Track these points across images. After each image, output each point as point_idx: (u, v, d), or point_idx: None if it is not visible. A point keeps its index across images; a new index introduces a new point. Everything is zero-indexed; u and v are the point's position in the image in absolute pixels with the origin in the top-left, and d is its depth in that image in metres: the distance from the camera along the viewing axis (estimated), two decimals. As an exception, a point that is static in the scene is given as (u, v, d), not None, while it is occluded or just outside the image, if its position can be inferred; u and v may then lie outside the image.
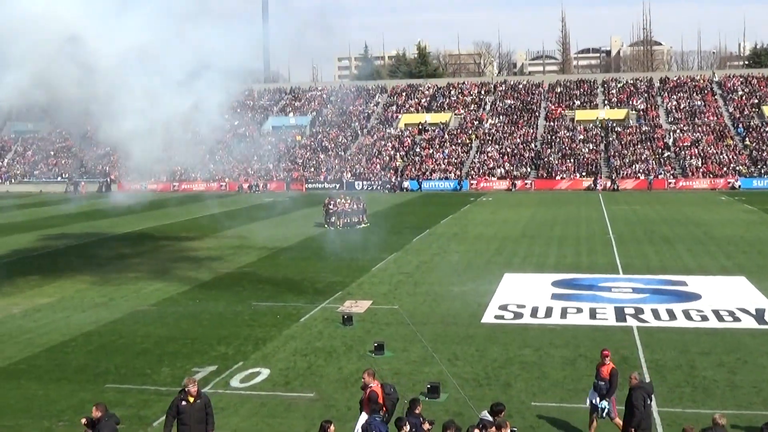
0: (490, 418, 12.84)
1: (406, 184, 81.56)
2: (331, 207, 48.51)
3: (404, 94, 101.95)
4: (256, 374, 19.18)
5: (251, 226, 49.77)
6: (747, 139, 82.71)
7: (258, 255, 37.90)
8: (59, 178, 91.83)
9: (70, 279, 32.28)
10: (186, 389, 13.44)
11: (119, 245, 42.45)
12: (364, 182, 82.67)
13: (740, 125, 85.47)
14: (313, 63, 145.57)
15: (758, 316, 23.81)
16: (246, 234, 45.86)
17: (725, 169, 77.70)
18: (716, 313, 24.31)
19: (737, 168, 77.66)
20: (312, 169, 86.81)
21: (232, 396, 17.55)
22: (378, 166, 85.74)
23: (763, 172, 76.67)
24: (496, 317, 24.56)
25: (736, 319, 23.57)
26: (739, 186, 74.64)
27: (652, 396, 14.28)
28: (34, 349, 21.62)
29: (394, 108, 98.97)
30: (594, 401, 14.66)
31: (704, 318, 23.77)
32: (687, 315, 24.15)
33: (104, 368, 19.78)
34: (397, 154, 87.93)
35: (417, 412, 13.05)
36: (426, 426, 12.77)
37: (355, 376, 18.05)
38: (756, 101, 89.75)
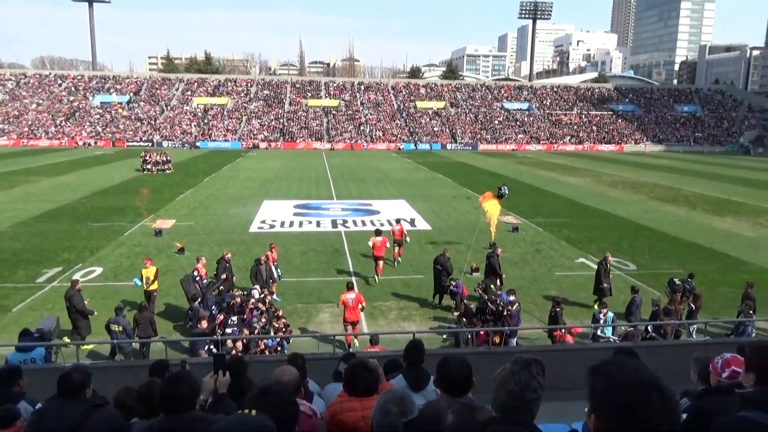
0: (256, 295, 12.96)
1: (198, 144, 76.73)
2: (147, 158, 44.79)
3: (196, 84, 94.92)
4: (93, 271, 17.54)
5: (86, 171, 44.37)
6: (408, 120, 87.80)
7: (92, 191, 34.01)
8: None
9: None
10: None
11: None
12: (170, 142, 76.43)
13: (404, 112, 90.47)
14: (130, 59, 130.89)
15: (410, 222, 25.90)
16: (82, 177, 40.85)
17: (394, 138, 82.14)
18: (389, 221, 26.02)
19: (402, 137, 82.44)
20: (131, 132, 78.49)
21: (74, 287, 15.86)
22: (179, 131, 79.66)
23: (415, 141, 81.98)
24: (259, 228, 24.46)
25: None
26: (402, 148, 79.16)
27: None
28: None
29: (189, 93, 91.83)
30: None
31: (381, 224, 25.26)
32: (372, 223, 25.59)
33: (-31, 274, 16.92)
34: (192, 123, 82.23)
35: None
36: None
37: (163, 269, 17.12)
38: (413, 98, 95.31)
